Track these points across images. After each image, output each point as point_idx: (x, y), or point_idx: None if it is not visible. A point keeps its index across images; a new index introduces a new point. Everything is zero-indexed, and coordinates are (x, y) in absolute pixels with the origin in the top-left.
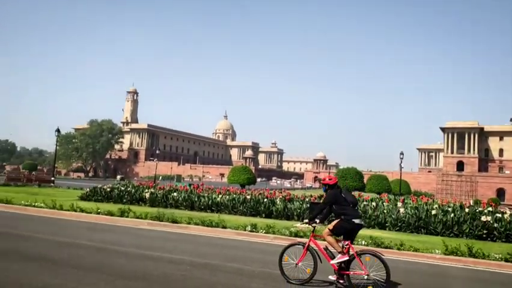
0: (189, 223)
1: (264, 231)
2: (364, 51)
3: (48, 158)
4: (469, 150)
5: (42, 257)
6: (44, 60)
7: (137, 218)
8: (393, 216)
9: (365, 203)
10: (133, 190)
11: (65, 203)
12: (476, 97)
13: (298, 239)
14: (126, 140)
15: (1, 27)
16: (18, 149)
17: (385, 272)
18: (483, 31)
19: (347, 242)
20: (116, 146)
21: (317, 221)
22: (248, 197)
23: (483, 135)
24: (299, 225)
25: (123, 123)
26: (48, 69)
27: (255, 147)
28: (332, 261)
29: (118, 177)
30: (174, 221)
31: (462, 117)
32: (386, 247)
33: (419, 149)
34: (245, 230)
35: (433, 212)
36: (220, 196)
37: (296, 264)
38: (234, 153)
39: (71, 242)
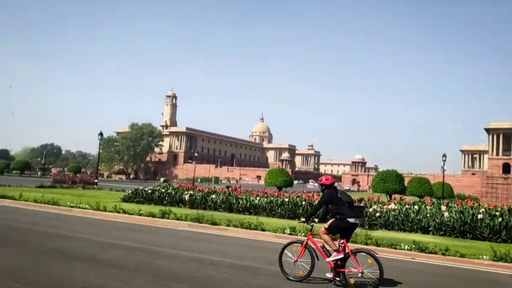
0: (228, 225)
1: (303, 234)
2: (401, 51)
3: (91, 161)
4: None
5: (88, 257)
6: (88, 67)
7: (178, 219)
8: (436, 220)
9: (407, 206)
10: (173, 192)
11: (108, 204)
12: None
13: (297, 237)
14: (165, 143)
15: (46, 33)
16: (64, 152)
17: (378, 270)
18: None
19: (342, 241)
20: (156, 149)
21: (316, 220)
22: (286, 199)
23: None
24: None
25: (162, 126)
26: (91, 75)
27: (292, 150)
28: (328, 259)
29: (161, 179)
30: (213, 223)
31: (508, 118)
32: (430, 252)
33: (462, 151)
34: (284, 233)
35: (479, 216)
36: (258, 198)
37: (295, 261)
38: (271, 155)
39: (115, 243)
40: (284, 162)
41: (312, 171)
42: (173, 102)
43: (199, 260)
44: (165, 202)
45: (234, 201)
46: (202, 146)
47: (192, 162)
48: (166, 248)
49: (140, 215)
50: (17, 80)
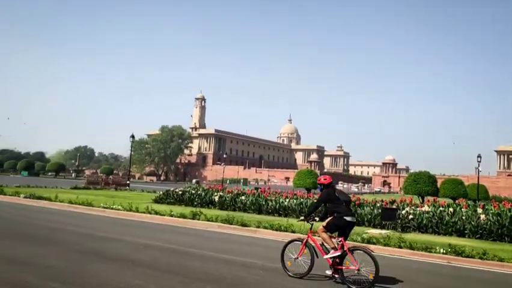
0: (258, 227)
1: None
2: (431, 51)
3: (123, 163)
4: None
5: (123, 257)
6: (120, 70)
7: (208, 220)
8: (472, 223)
9: (441, 208)
10: (203, 193)
11: (140, 205)
12: None
13: (299, 235)
14: (195, 145)
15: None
16: (96, 154)
17: (374, 267)
18: None
19: (340, 239)
20: (186, 151)
21: (316, 218)
22: (315, 201)
23: None
24: (296, 222)
25: (192, 128)
26: (123, 78)
27: (320, 151)
28: (326, 256)
29: (194, 180)
30: (244, 225)
31: None
32: (467, 256)
33: (497, 151)
34: (314, 235)
35: None
36: (287, 200)
37: (295, 259)
38: (299, 157)
39: (147, 244)
40: (313, 164)
41: (341, 173)
42: (202, 104)
43: (230, 261)
44: (195, 203)
45: (263, 203)
46: (230, 147)
47: (220, 164)
48: (197, 249)
49: (171, 216)
50: (48, 82)
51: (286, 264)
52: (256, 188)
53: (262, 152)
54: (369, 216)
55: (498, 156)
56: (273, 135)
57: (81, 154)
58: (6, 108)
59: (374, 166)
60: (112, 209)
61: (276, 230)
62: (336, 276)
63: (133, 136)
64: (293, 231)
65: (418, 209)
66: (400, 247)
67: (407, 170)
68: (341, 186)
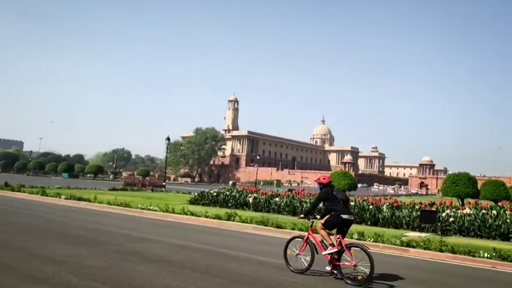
0: (293, 229)
1: (372, 239)
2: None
3: (159, 165)
4: None
5: (161, 258)
6: (156, 74)
7: (243, 222)
8: None
9: (483, 211)
10: (237, 195)
11: (176, 206)
12: None
13: (300, 233)
14: (228, 147)
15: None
16: (133, 156)
17: (369, 263)
18: None
19: (338, 236)
20: (219, 153)
21: (318, 216)
22: (352, 203)
23: None
24: (298, 219)
25: (225, 130)
26: (157, 82)
27: (354, 152)
28: (324, 252)
29: (230, 182)
30: (278, 226)
31: None
32: None
33: None
34: (351, 238)
35: None
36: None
37: (297, 255)
38: (332, 158)
39: (185, 245)
40: (347, 165)
41: (376, 174)
42: (235, 106)
43: (265, 263)
44: (230, 205)
45: (298, 205)
46: (263, 149)
47: (253, 165)
48: (232, 250)
49: (206, 217)
50: (88, 88)
51: (289, 261)
52: (290, 190)
53: (295, 153)
54: (408, 219)
55: None
56: (305, 136)
57: (118, 156)
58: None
59: (411, 167)
60: (149, 210)
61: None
62: (335, 272)
63: (168, 138)
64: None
65: (459, 211)
66: (441, 251)
67: (445, 171)
68: (376, 188)
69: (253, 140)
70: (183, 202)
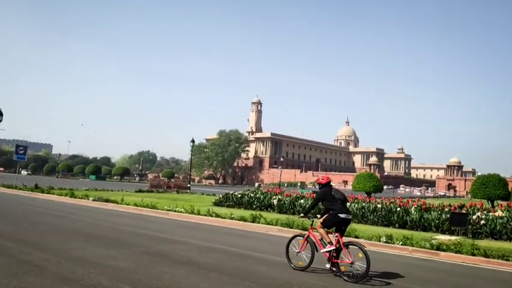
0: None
1: (401, 242)
2: (494, 49)
3: (183, 167)
4: None
5: (188, 260)
6: (180, 77)
7: (268, 224)
8: None
9: None
10: (262, 197)
11: (201, 208)
12: None
13: (301, 231)
14: (251, 149)
15: (137, 44)
16: (158, 158)
17: (366, 261)
18: None
19: (336, 234)
20: (243, 155)
21: (318, 215)
22: (379, 205)
23: None
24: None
25: (248, 132)
26: (181, 85)
27: (380, 154)
28: (322, 250)
29: (256, 184)
30: (304, 229)
31: None
32: None
33: None
34: (379, 241)
35: None
36: (348, 204)
37: (297, 252)
38: (357, 159)
39: (211, 246)
40: (372, 167)
41: (402, 176)
42: (259, 108)
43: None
44: (254, 206)
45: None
46: (286, 151)
47: (277, 167)
48: (259, 252)
49: (232, 219)
50: (114, 91)
51: (291, 258)
52: (315, 192)
53: (319, 155)
54: (437, 222)
55: None
56: (329, 137)
57: (144, 158)
58: (78, 115)
59: (438, 169)
60: (175, 211)
61: None
62: (334, 269)
63: (193, 141)
64: (356, 237)
65: (490, 213)
66: (473, 254)
67: (473, 172)
68: (402, 190)
69: (277, 141)
70: (208, 204)
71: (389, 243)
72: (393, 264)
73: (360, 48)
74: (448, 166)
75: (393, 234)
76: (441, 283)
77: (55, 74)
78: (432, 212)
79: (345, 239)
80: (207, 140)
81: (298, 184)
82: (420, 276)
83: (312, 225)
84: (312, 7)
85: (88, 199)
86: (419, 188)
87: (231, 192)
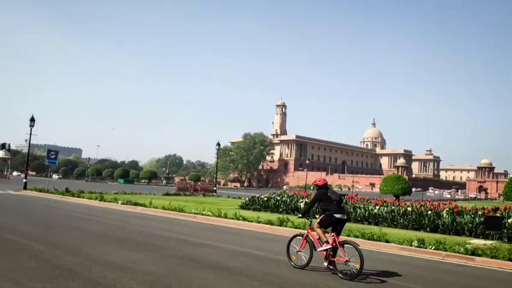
0: (348, 235)
1: (434, 247)
2: None
3: (209, 170)
4: None
5: (218, 264)
6: (204, 80)
7: (296, 228)
8: None
9: None
10: (288, 200)
11: (228, 211)
12: None
13: (301, 231)
14: (276, 151)
15: (162, 49)
16: (185, 162)
17: (359, 259)
18: None
19: (332, 234)
20: (268, 157)
21: (317, 216)
22: (409, 208)
23: None
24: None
25: (273, 135)
26: (206, 88)
27: (408, 155)
28: (319, 249)
29: (284, 187)
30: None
31: None
32: None
33: None
34: (411, 245)
35: None
36: (377, 207)
37: (297, 251)
38: (384, 162)
39: (239, 250)
40: (400, 169)
41: (431, 178)
42: (283, 111)
43: (324, 271)
44: (280, 210)
45: (351, 210)
46: (312, 153)
47: (302, 170)
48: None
49: (258, 222)
50: (141, 95)
51: (291, 257)
52: (343, 195)
53: (345, 157)
54: (470, 225)
55: None
56: (355, 139)
57: (171, 162)
58: (108, 120)
59: (468, 171)
60: (202, 214)
61: (368, 239)
62: (331, 267)
63: (218, 144)
64: (387, 241)
65: None
66: (511, 260)
67: (505, 174)
68: (431, 192)
69: (302, 144)
70: (234, 207)
71: (420, 247)
72: (423, 270)
73: (386, 49)
74: (478, 168)
75: (425, 239)
76: None
77: (85, 80)
78: (465, 216)
79: (341, 238)
80: (232, 143)
81: None
82: (458, 282)
83: (310, 225)
84: (339, 9)
85: (117, 203)
86: (449, 191)
87: (257, 196)
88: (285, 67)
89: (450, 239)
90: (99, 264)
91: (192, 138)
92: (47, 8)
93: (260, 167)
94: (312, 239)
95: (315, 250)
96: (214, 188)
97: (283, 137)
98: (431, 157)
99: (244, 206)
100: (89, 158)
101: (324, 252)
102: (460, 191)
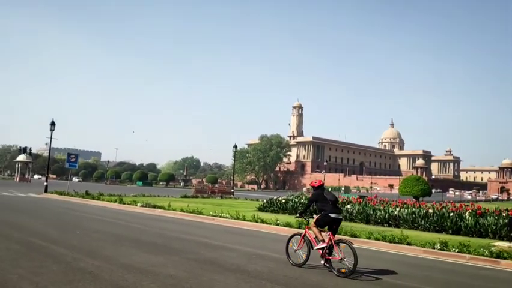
0: (369, 238)
1: (457, 250)
2: None
3: (226, 172)
4: None
5: (238, 268)
6: (222, 83)
7: None
8: None
9: None
10: (307, 202)
11: (246, 213)
12: None
13: (299, 230)
14: (293, 153)
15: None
16: (202, 164)
17: (353, 257)
18: None
19: (328, 233)
20: (284, 159)
21: (315, 215)
22: (430, 210)
23: None
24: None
25: (290, 137)
26: (222, 91)
27: (427, 156)
28: (316, 247)
29: (304, 189)
30: (353, 235)
31: None
32: None
33: None
34: (433, 248)
35: None
36: (397, 209)
37: (295, 250)
38: (403, 162)
39: (259, 253)
40: (419, 170)
41: (451, 179)
42: (300, 112)
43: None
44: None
45: (371, 212)
46: (329, 154)
47: (320, 171)
48: (309, 260)
49: (277, 224)
50: (159, 99)
51: (290, 255)
52: (362, 197)
53: (363, 158)
54: (494, 227)
55: None
56: (373, 140)
57: (188, 164)
58: (126, 123)
59: (489, 171)
60: (221, 217)
61: (390, 241)
62: (327, 265)
63: (235, 146)
64: (409, 244)
65: None
66: None
67: None
68: (451, 193)
69: (319, 145)
70: (252, 209)
71: (444, 250)
72: (449, 274)
73: (403, 49)
74: (500, 168)
75: (448, 241)
76: None
77: (104, 80)
78: (488, 217)
79: (336, 237)
80: (249, 145)
81: (343, 188)
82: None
83: (307, 224)
84: (355, 11)
85: (136, 205)
86: (470, 192)
87: (275, 198)
88: (302, 69)
89: (473, 241)
90: (120, 267)
91: (209, 140)
92: (72, 10)
93: (277, 168)
94: (309, 238)
95: (312, 248)
96: (232, 190)
97: (300, 139)
98: (450, 158)
99: (262, 208)
100: (108, 161)
101: (321, 251)
102: (481, 192)
